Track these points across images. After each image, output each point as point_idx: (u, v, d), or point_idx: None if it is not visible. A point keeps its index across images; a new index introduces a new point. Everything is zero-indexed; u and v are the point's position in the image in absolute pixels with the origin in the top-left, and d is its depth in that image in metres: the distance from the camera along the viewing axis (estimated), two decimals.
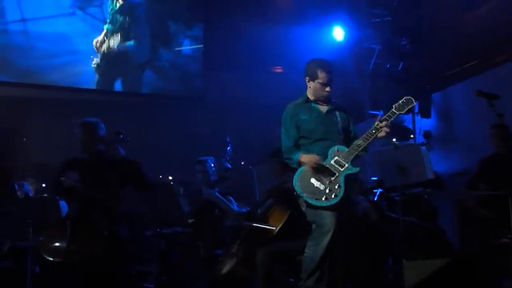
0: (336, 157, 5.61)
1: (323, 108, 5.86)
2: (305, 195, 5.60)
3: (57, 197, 6.55)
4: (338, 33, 11.33)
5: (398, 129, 10.38)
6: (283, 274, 6.58)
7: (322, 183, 5.57)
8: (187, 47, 11.07)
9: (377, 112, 11.27)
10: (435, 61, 10.76)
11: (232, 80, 11.55)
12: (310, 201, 5.59)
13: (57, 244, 5.97)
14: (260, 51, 11.45)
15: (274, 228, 6.60)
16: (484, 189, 7.15)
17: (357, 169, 5.62)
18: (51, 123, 10.21)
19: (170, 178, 8.73)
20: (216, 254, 7.53)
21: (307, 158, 5.64)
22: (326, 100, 5.85)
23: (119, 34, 10.37)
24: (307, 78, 5.86)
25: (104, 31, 10.35)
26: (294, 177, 5.71)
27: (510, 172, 6.29)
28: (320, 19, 11.28)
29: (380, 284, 7.26)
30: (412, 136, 10.80)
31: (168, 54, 10.79)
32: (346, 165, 5.57)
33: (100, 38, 10.29)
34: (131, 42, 10.22)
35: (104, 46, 10.28)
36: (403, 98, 5.74)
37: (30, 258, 6.54)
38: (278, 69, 12.27)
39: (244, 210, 7.78)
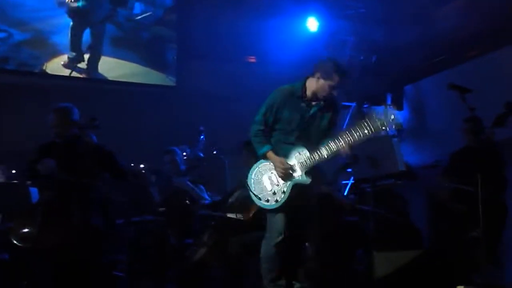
0: (295, 161, 5.57)
1: (310, 109, 5.68)
2: (251, 190, 5.64)
3: (28, 184, 6.49)
4: (312, 24, 11.30)
5: None
6: (254, 265, 6.58)
7: (271, 183, 5.59)
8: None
9: (350, 104, 11.36)
10: (408, 54, 10.79)
11: (206, 70, 11.49)
12: (253, 198, 5.66)
13: (27, 230, 5.93)
14: (233, 41, 11.39)
15: (244, 218, 6.63)
16: (455, 182, 7.22)
17: (308, 181, 5.54)
18: (21, 110, 10.11)
19: (142, 166, 8.69)
20: (186, 242, 7.53)
21: (275, 160, 5.60)
22: (322, 99, 5.67)
23: None
24: (318, 73, 5.60)
25: None
26: (252, 168, 5.75)
27: (481, 165, 6.33)
28: (294, 9, 11.23)
29: (350, 274, 7.29)
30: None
31: (125, 11, 11.83)
32: (300, 173, 5.54)
33: None
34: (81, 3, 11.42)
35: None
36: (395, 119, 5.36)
37: None
38: (252, 59, 12.23)
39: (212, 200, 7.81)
